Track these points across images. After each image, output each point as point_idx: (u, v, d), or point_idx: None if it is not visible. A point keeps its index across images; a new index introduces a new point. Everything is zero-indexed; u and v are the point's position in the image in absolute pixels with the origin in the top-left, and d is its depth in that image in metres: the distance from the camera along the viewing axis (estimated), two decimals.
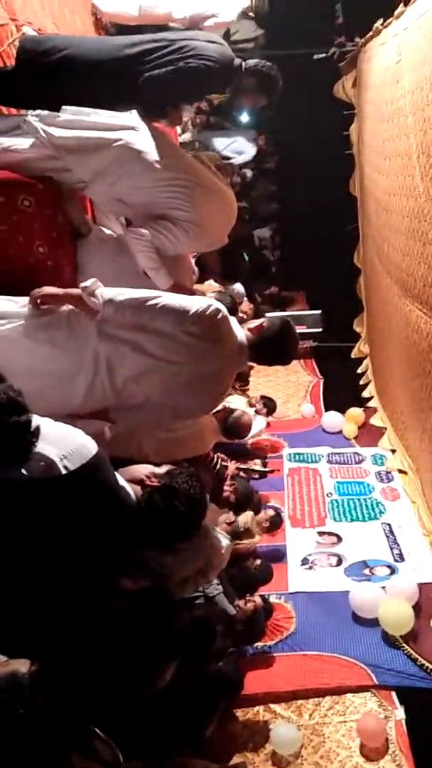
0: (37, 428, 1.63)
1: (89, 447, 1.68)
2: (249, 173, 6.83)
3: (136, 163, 2.49)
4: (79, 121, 2.45)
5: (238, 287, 5.40)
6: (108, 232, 2.96)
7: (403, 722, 3.05)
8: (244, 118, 5.02)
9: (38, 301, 2.12)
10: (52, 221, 2.60)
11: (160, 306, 2.15)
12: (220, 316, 2.21)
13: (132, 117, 2.55)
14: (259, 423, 5.30)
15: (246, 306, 5.49)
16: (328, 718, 3.13)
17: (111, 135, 2.46)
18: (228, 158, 4.07)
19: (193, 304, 2.19)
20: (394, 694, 3.20)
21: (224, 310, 2.24)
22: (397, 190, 3.64)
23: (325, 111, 6.41)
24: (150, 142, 2.51)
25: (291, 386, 6.98)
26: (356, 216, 6.27)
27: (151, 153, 2.50)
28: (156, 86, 2.59)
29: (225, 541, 3.34)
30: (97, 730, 2.07)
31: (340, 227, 6.74)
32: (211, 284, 3.90)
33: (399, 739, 2.96)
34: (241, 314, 5.30)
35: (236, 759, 2.96)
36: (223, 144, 4.45)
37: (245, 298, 5.56)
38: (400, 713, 3.09)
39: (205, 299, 2.27)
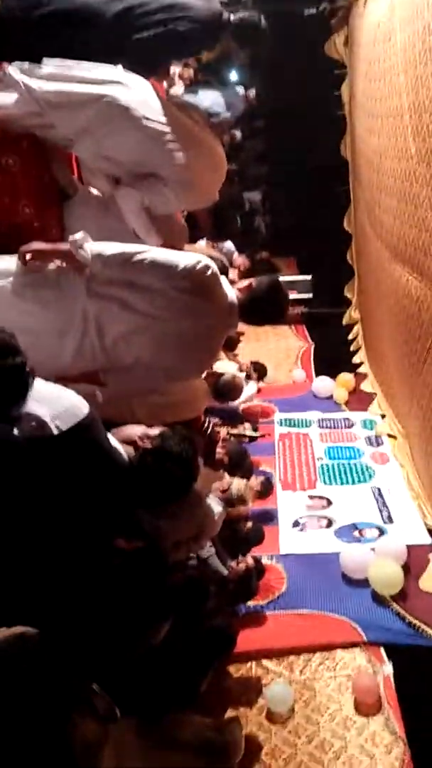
0: (33, 370, 1.62)
1: (81, 407, 1.68)
2: (238, 134, 6.71)
3: (123, 119, 2.43)
4: (63, 75, 2.38)
5: (229, 245, 5.36)
6: (95, 191, 2.91)
7: (391, 677, 3.13)
8: (233, 75, 4.90)
9: (27, 258, 2.09)
10: (38, 181, 2.56)
11: (148, 261, 2.13)
12: (209, 272, 2.20)
13: (118, 71, 2.48)
14: (249, 388, 5.32)
15: (240, 260, 5.45)
16: (319, 673, 3.21)
17: (97, 90, 2.39)
18: (217, 113, 3.97)
19: (182, 259, 2.17)
20: (382, 650, 3.28)
21: (214, 266, 2.22)
22: (388, 151, 3.58)
23: (316, 69, 6.26)
24: (137, 98, 2.45)
25: (282, 352, 6.98)
26: (348, 178, 6.19)
27: (138, 109, 2.44)
28: (144, 49, 2.52)
29: (218, 508, 3.38)
30: (95, 686, 2.12)
31: (332, 190, 6.65)
32: (201, 245, 3.87)
33: (387, 693, 3.05)
34: (235, 269, 5.27)
35: (229, 713, 3.04)
36: (211, 99, 4.32)
37: (236, 253, 5.51)
38: (388, 668, 3.18)
39: (194, 255, 2.24)
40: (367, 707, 3.00)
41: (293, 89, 7.32)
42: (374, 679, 3.09)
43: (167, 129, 2.50)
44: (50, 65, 2.38)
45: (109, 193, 2.89)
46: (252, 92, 6.52)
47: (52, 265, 2.14)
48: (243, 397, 4.98)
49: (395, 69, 3.18)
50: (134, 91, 2.46)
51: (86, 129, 2.46)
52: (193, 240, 3.60)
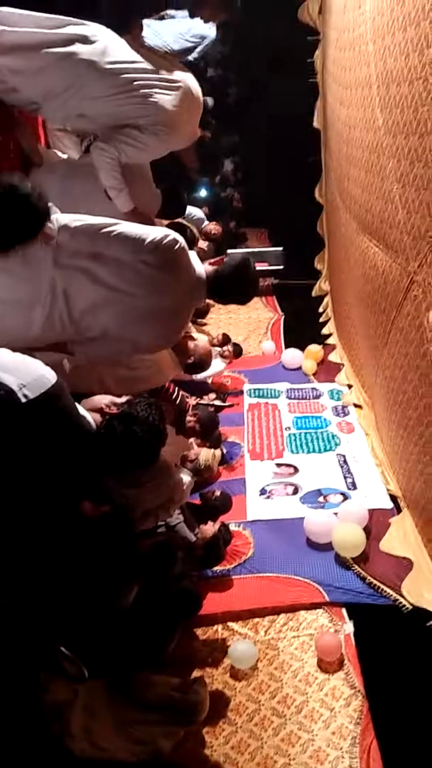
0: None
1: (48, 376, 1.70)
2: (210, 101, 6.61)
3: (89, 74, 2.39)
4: (22, 42, 2.32)
5: (198, 212, 5.31)
6: (62, 156, 2.87)
7: (352, 635, 3.26)
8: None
9: None
10: (3, 149, 2.52)
11: (115, 233, 2.13)
12: (177, 246, 2.20)
13: (80, 25, 2.42)
14: (217, 364, 5.36)
15: (211, 226, 5.41)
16: (283, 633, 3.33)
17: (58, 50, 2.35)
18: (189, 48, 3.81)
19: (149, 232, 2.17)
20: (344, 610, 3.41)
21: (182, 241, 2.23)
22: (357, 122, 3.59)
23: (289, 35, 6.16)
24: (101, 49, 2.40)
25: (252, 323, 7.01)
26: (320, 149, 6.16)
27: (104, 60, 2.38)
28: (116, 3, 2.47)
29: (186, 477, 3.44)
30: (63, 648, 2.18)
31: (305, 161, 6.62)
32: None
33: (348, 651, 3.18)
34: (205, 235, 5.23)
35: (196, 674, 3.14)
36: (179, 32, 4.07)
37: (206, 221, 5.46)
38: (349, 627, 3.31)
39: (162, 229, 2.25)
40: (329, 665, 3.12)
41: (265, 54, 7.21)
42: (336, 638, 3.21)
43: (137, 75, 2.46)
44: (9, 27, 2.31)
45: (74, 156, 2.85)
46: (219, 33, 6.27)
47: None
48: (210, 372, 5.03)
49: (364, 38, 3.17)
50: (97, 44, 2.40)
51: (51, 91, 2.42)
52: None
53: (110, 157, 2.49)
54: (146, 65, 2.50)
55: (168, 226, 2.72)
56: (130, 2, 2.56)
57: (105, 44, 2.41)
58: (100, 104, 2.47)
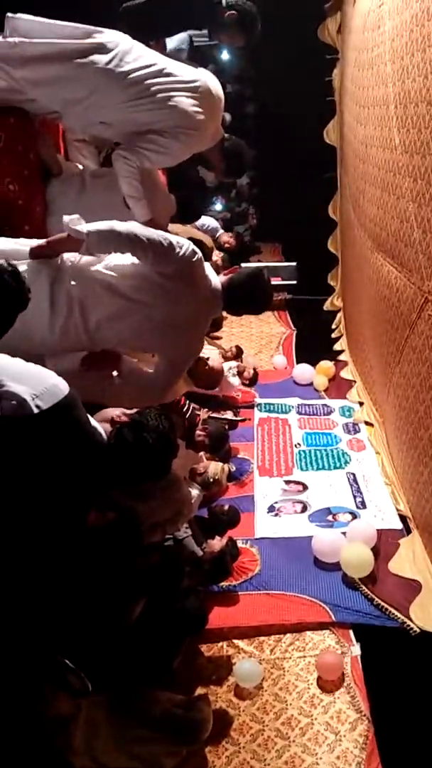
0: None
1: (61, 387, 1.70)
2: (228, 117, 6.66)
3: (107, 82, 2.40)
4: (42, 54, 2.34)
5: (212, 222, 5.32)
6: (80, 167, 2.90)
7: (359, 658, 3.22)
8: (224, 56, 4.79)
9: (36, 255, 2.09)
10: (24, 158, 2.54)
11: (136, 243, 2.14)
12: (195, 258, 2.21)
13: (98, 33, 2.44)
14: (233, 381, 5.36)
15: (226, 237, 5.43)
16: (288, 653, 3.29)
17: (76, 62, 2.37)
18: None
19: (167, 243, 2.18)
20: (351, 632, 3.36)
21: (199, 252, 2.24)
22: (373, 140, 3.60)
23: (309, 55, 6.22)
24: (118, 56, 2.41)
25: (264, 337, 7.01)
26: (336, 166, 6.19)
27: (121, 68, 2.39)
28: (134, 17, 2.49)
29: (195, 491, 3.43)
30: (67, 662, 2.16)
31: (319, 177, 6.65)
32: (185, 227, 3.86)
33: (354, 674, 3.13)
34: (224, 244, 5.24)
35: (200, 691, 3.10)
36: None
37: (221, 230, 5.47)
38: (356, 650, 3.26)
39: (180, 239, 2.25)
40: (329, 684, 3.08)
41: (285, 73, 7.27)
42: (337, 656, 3.17)
43: (155, 79, 2.47)
44: (17, 32, 2.33)
45: (92, 168, 2.87)
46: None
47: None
48: (225, 387, 5.03)
49: (383, 58, 3.19)
50: (114, 51, 2.42)
51: (70, 100, 2.44)
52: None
53: (131, 165, 2.49)
54: (164, 67, 2.50)
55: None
56: (153, 21, 2.58)
57: (122, 51, 2.43)
58: (120, 111, 2.48)
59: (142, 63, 2.48)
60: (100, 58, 2.40)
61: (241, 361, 5.78)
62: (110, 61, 2.41)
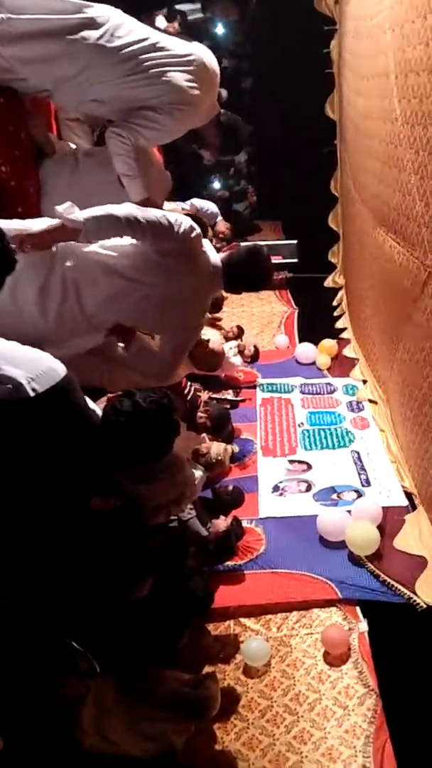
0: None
1: (58, 369, 1.67)
2: (224, 92, 6.55)
3: (98, 57, 2.33)
4: (30, 30, 2.28)
5: (212, 207, 5.26)
6: (73, 147, 2.84)
7: (366, 634, 3.23)
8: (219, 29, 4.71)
9: (26, 247, 2.04)
10: (15, 139, 2.49)
11: (132, 222, 2.10)
12: (193, 234, 2.17)
13: (87, 8, 2.37)
14: (234, 361, 5.33)
15: (222, 225, 5.36)
16: (295, 630, 3.30)
17: (66, 38, 2.30)
18: None
19: (164, 220, 2.14)
20: (358, 608, 3.37)
21: (197, 228, 2.20)
22: (373, 112, 3.53)
23: (305, 26, 6.08)
24: (109, 31, 2.34)
25: (265, 317, 6.96)
26: (335, 141, 6.09)
27: (112, 43, 2.33)
28: None
29: (198, 472, 3.42)
30: (74, 644, 2.17)
31: (319, 153, 6.54)
32: (180, 205, 3.80)
33: (361, 649, 3.15)
34: (219, 234, 5.18)
35: (207, 669, 3.12)
36: None
37: (220, 218, 5.40)
38: (363, 626, 3.27)
39: (178, 216, 2.21)
40: (335, 659, 3.10)
41: (281, 45, 7.11)
42: (342, 631, 3.18)
43: (147, 54, 2.41)
44: (16, 15, 2.27)
45: (85, 147, 2.82)
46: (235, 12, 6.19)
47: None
48: (227, 367, 5.00)
49: (382, 27, 3.11)
50: (105, 26, 2.35)
51: (61, 78, 2.38)
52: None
53: (125, 143, 2.43)
54: (157, 41, 2.43)
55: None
56: None
57: (113, 25, 2.36)
58: (113, 88, 2.42)
59: (135, 37, 2.41)
60: (91, 34, 2.34)
61: (242, 341, 5.75)
62: (101, 36, 2.34)
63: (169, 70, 2.43)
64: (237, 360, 5.45)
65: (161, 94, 2.43)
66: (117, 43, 2.36)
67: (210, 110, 2.71)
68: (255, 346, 5.59)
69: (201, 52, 2.58)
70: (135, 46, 2.39)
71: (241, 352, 5.48)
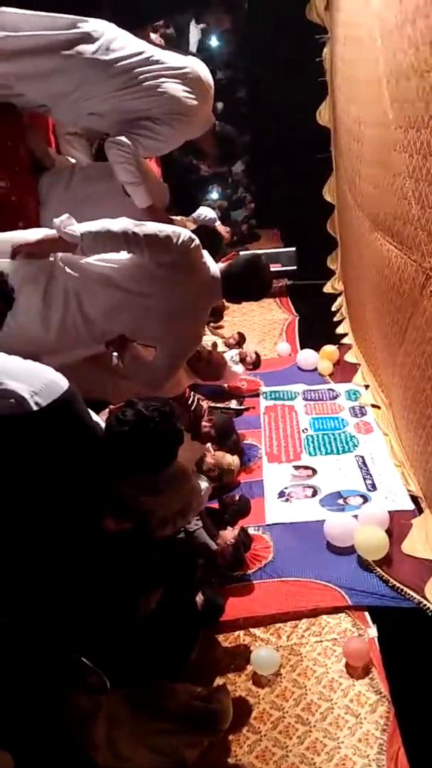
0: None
1: (60, 383, 1.67)
2: (219, 105, 6.60)
3: (94, 72, 2.36)
4: (26, 47, 2.30)
5: (209, 212, 5.28)
6: (72, 161, 2.86)
7: (376, 639, 3.21)
8: (213, 42, 4.75)
9: (22, 256, 2.05)
10: (14, 154, 2.51)
11: (130, 235, 2.11)
12: (192, 245, 2.18)
13: (82, 23, 2.40)
14: (236, 370, 5.33)
15: (221, 229, 5.38)
16: (305, 638, 3.28)
17: (62, 54, 2.33)
18: None
19: (163, 233, 2.15)
20: (367, 614, 3.35)
21: (196, 239, 2.21)
22: (366, 118, 3.55)
23: (298, 35, 6.13)
24: (104, 45, 2.37)
25: (266, 325, 6.98)
26: (329, 147, 6.12)
27: (108, 57, 2.36)
28: (118, 3, 2.45)
29: (204, 483, 3.41)
30: (84, 659, 2.16)
31: (315, 160, 6.57)
32: (182, 219, 3.81)
33: (372, 655, 3.11)
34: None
35: (218, 681, 3.10)
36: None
37: (218, 223, 5.42)
38: (372, 632, 3.25)
39: (176, 228, 2.22)
40: (358, 671, 3.07)
41: (274, 55, 7.16)
42: (364, 643, 3.16)
43: (143, 67, 2.43)
44: (12, 33, 2.30)
45: (84, 161, 2.83)
46: (226, 20, 6.28)
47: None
48: (229, 377, 5.00)
49: (372, 33, 3.14)
50: (100, 40, 2.39)
51: (58, 93, 2.41)
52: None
53: (125, 151, 2.45)
54: (152, 55, 2.47)
55: (196, 230, 2.69)
56: (137, 7, 2.53)
57: (108, 39, 2.39)
58: (109, 101, 2.44)
59: (130, 51, 2.44)
60: (87, 48, 2.37)
61: (243, 348, 5.75)
62: (96, 51, 2.37)
63: (165, 82, 2.47)
64: (239, 369, 5.45)
65: (158, 105, 2.46)
66: (112, 57, 2.39)
67: (206, 121, 2.73)
68: (256, 353, 5.59)
69: (196, 64, 2.62)
70: (130, 60, 2.42)
71: (242, 360, 5.48)
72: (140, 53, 2.46)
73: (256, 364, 5.55)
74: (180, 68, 2.53)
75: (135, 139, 2.46)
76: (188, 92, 2.52)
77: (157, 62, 2.48)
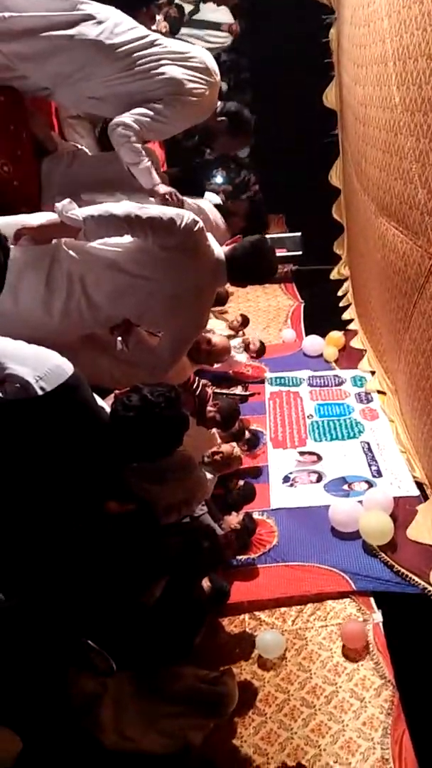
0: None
1: (65, 368, 1.65)
2: (224, 85, 6.51)
3: (97, 54, 2.35)
4: (30, 27, 2.29)
5: (214, 197, 5.24)
6: (77, 146, 2.85)
7: (381, 625, 3.23)
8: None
9: (23, 241, 2.04)
10: (16, 138, 2.49)
11: (133, 218, 2.09)
12: (196, 228, 2.16)
13: (85, 5, 2.39)
14: (240, 359, 5.33)
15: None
16: (310, 623, 3.30)
17: (65, 34, 2.32)
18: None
19: (167, 215, 2.13)
20: (372, 599, 3.37)
21: (200, 222, 2.19)
22: (373, 100, 3.50)
23: (305, 15, 6.03)
24: (108, 28, 2.36)
25: (272, 311, 6.94)
26: (336, 130, 6.04)
27: (111, 40, 2.35)
28: None
29: (209, 474, 3.41)
30: (90, 642, 2.17)
31: (320, 144, 6.49)
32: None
33: (377, 640, 3.14)
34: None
35: (224, 665, 3.12)
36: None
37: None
38: (377, 617, 3.27)
39: (180, 211, 2.20)
40: (354, 653, 3.09)
41: (280, 35, 7.05)
42: (361, 625, 3.18)
43: (145, 50, 2.42)
44: (16, 13, 2.28)
45: (91, 145, 2.81)
46: (236, 24, 6.31)
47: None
48: (231, 364, 5.01)
49: (379, 13, 3.08)
50: (104, 23, 2.38)
51: (60, 74, 2.40)
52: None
53: (128, 130, 2.43)
54: (155, 39, 2.46)
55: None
56: None
57: (112, 23, 2.38)
58: (111, 84, 2.43)
59: (133, 35, 2.43)
60: (90, 30, 2.36)
61: (244, 334, 5.73)
62: (101, 33, 2.36)
63: (167, 64, 2.45)
64: (243, 357, 5.44)
65: (159, 87, 2.45)
66: (116, 40, 2.38)
67: (210, 105, 2.71)
68: (260, 341, 5.58)
69: (200, 50, 2.60)
70: (134, 43, 2.41)
71: (246, 347, 5.47)
72: (144, 37, 2.45)
73: (260, 352, 5.54)
74: (182, 53, 2.51)
75: (138, 120, 2.44)
76: (190, 75, 2.50)
77: (159, 46, 2.47)
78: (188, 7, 5.77)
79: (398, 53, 2.85)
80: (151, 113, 2.43)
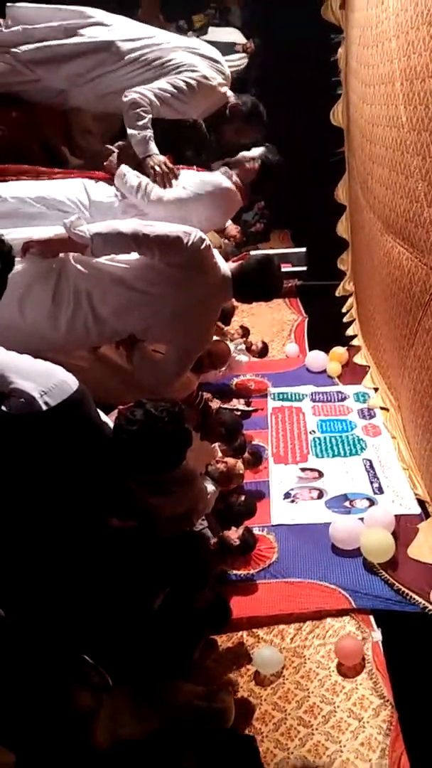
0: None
1: (70, 383, 1.66)
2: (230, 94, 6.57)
3: (110, 55, 2.48)
4: (38, 30, 2.41)
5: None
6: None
7: (380, 643, 3.19)
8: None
9: (30, 252, 2.06)
10: (27, 151, 2.52)
11: (141, 236, 2.11)
12: (203, 245, 2.17)
13: (94, 11, 2.53)
14: (241, 359, 5.30)
15: (233, 229, 5.36)
16: (309, 641, 3.27)
17: (77, 40, 2.46)
18: None
19: (174, 233, 2.15)
20: (372, 617, 3.34)
21: (207, 239, 2.20)
22: (380, 119, 3.53)
23: (313, 34, 6.10)
24: (121, 27, 2.52)
25: (275, 325, 6.95)
26: (342, 148, 6.09)
27: (125, 35, 2.50)
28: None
29: (211, 487, 3.40)
30: (87, 657, 2.16)
31: (327, 161, 6.54)
32: None
33: (376, 659, 3.11)
34: (229, 237, 5.19)
35: (221, 681, 3.10)
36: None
37: (229, 222, 5.39)
38: (377, 635, 3.24)
39: (187, 228, 2.21)
40: (350, 670, 3.07)
41: (289, 53, 7.13)
42: (356, 641, 3.15)
43: (156, 46, 2.55)
44: (18, 20, 2.40)
45: (97, 150, 2.86)
46: (250, 43, 6.42)
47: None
48: (234, 367, 4.99)
49: (387, 34, 3.12)
50: (115, 25, 2.55)
51: (72, 76, 2.50)
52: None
53: (144, 99, 2.45)
54: (164, 35, 2.63)
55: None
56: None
57: (122, 25, 2.56)
58: (128, 77, 2.55)
59: (145, 32, 2.59)
60: (103, 32, 2.51)
61: (246, 338, 5.71)
62: (113, 33, 2.52)
63: (180, 52, 2.58)
64: (244, 358, 5.41)
65: (175, 69, 2.54)
66: (129, 36, 2.54)
67: (222, 99, 2.77)
68: (263, 341, 5.55)
69: (209, 47, 2.73)
70: (145, 39, 2.54)
71: (248, 348, 5.45)
72: (153, 36, 2.60)
73: (263, 352, 5.51)
74: (192, 47, 2.65)
75: (157, 93, 2.50)
76: (203, 61, 2.64)
77: (169, 41, 2.62)
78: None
79: (405, 73, 2.88)
80: (170, 88, 2.51)
